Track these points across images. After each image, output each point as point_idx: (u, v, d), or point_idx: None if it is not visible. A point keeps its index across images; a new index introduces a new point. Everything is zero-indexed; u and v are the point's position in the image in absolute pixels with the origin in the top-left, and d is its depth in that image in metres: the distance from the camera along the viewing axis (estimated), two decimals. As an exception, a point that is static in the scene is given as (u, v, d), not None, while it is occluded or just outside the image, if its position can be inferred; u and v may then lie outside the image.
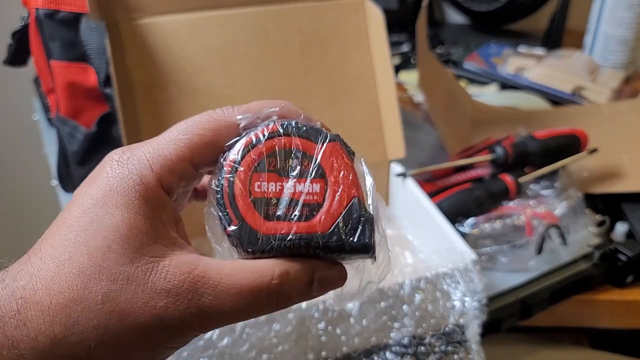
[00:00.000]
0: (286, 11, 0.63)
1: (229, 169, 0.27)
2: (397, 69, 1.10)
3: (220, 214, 0.27)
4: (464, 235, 0.60)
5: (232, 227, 0.26)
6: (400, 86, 1.03)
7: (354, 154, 0.28)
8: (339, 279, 0.28)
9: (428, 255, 0.56)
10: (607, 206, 0.70)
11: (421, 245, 0.63)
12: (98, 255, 0.24)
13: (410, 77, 1.05)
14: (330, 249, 0.27)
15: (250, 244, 0.26)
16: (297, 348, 0.48)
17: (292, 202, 0.26)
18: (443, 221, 0.58)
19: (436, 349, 0.50)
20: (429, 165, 0.69)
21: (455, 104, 0.87)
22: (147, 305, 0.24)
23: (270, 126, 0.27)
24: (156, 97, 0.58)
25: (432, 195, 0.64)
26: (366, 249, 0.27)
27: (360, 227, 0.27)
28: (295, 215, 0.26)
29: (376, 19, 0.64)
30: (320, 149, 0.27)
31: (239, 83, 0.61)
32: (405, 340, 0.50)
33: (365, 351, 0.50)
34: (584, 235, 0.65)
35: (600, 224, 0.68)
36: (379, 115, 0.66)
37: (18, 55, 0.79)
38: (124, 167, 0.26)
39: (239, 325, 0.45)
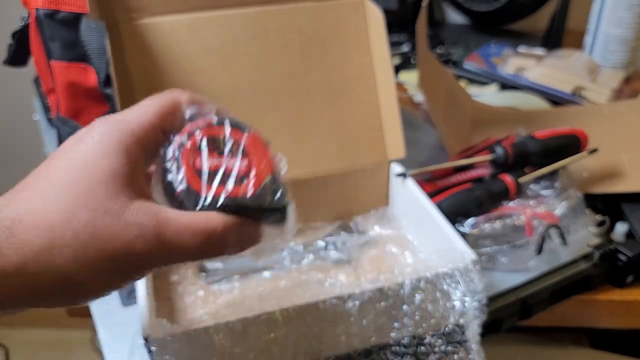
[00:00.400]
0: (286, 11, 0.63)
1: (177, 146, 0.34)
2: (397, 69, 1.10)
3: (170, 180, 0.34)
4: (464, 235, 0.60)
5: (180, 188, 0.33)
6: (400, 86, 1.03)
7: (269, 142, 0.37)
8: (260, 235, 0.35)
9: (428, 255, 0.56)
10: (607, 206, 0.70)
11: (421, 245, 0.63)
12: (83, 193, 0.30)
13: (410, 77, 1.05)
14: (255, 207, 0.34)
15: (195, 202, 0.33)
16: (297, 348, 0.48)
17: (226, 173, 0.34)
18: (443, 221, 0.58)
19: (436, 349, 0.50)
20: (429, 165, 0.69)
21: (455, 104, 0.87)
22: (120, 235, 0.30)
23: (209, 117, 0.36)
24: (156, 97, 0.58)
25: (432, 195, 0.64)
26: (283, 207, 0.35)
27: (277, 192, 0.35)
28: (229, 182, 0.34)
29: (376, 19, 0.64)
30: (246, 136, 0.36)
31: (239, 83, 0.61)
32: (405, 340, 0.50)
33: (365, 351, 0.50)
34: (584, 235, 0.65)
35: (600, 224, 0.68)
36: (379, 115, 0.66)
37: (18, 55, 0.79)
38: (108, 128, 0.33)
39: (239, 325, 0.45)
